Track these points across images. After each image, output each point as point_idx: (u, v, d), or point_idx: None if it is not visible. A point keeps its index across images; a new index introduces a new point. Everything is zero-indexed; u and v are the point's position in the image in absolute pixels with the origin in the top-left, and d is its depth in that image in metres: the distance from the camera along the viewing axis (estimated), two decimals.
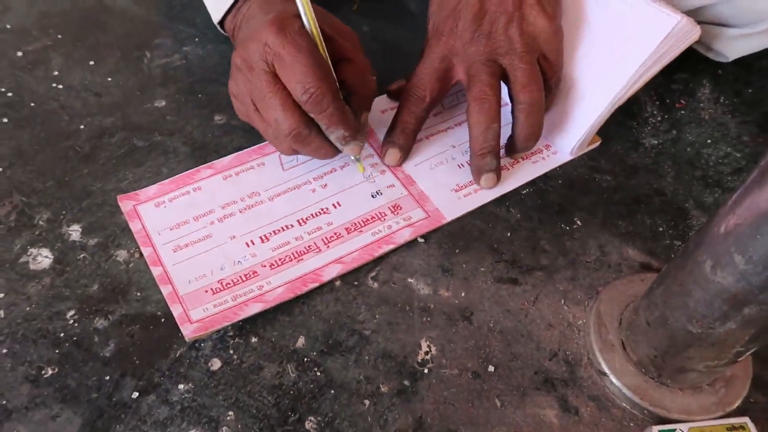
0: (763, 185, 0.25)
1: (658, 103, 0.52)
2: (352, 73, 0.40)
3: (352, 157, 0.43)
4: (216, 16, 0.46)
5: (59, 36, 0.53)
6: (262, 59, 0.37)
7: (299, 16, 0.37)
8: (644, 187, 0.46)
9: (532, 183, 0.45)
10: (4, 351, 0.35)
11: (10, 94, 0.48)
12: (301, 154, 0.43)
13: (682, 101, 0.53)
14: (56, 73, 0.50)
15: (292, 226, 0.41)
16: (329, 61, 0.39)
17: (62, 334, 0.36)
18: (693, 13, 0.50)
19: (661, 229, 0.44)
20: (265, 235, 0.41)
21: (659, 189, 0.46)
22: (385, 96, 0.50)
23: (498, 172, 0.44)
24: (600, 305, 0.38)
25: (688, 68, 0.55)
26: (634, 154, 0.48)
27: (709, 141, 0.50)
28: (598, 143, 0.48)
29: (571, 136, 0.46)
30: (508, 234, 0.43)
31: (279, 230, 0.41)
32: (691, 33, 0.43)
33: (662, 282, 0.33)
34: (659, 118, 0.51)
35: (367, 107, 0.42)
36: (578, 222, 0.44)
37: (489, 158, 0.43)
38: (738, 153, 0.49)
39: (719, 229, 0.28)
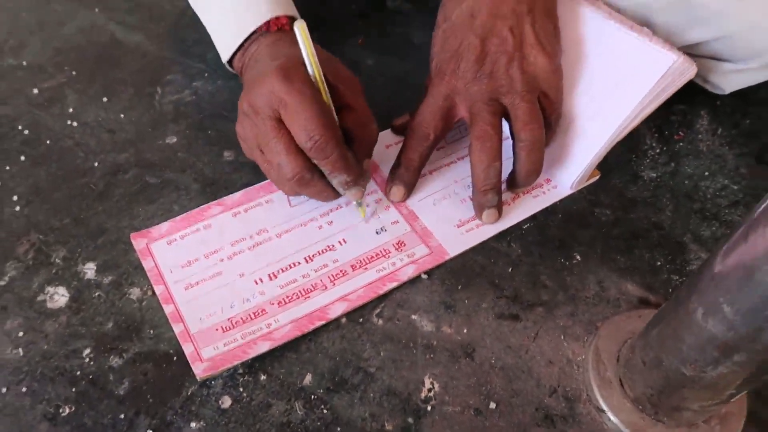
0: (748, 240, 0.26)
1: (656, 135, 0.53)
2: (355, 120, 0.41)
3: (354, 202, 0.44)
4: (225, 55, 0.47)
5: (74, 72, 0.55)
6: (267, 105, 0.38)
7: (304, 63, 0.39)
8: (643, 221, 0.47)
9: (532, 217, 0.47)
10: (24, 389, 0.37)
11: (27, 132, 0.50)
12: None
13: (680, 133, 0.54)
14: (71, 110, 0.52)
15: (299, 263, 0.43)
16: (333, 109, 0.40)
17: (78, 373, 0.37)
18: (689, 48, 0.51)
19: (659, 263, 0.45)
20: (273, 273, 0.42)
21: (657, 223, 0.47)
22: (389, 131, 0.51)
23: (499, 208, 0.45)
24: (598, 342, 0.39)
25: (687, 100, 0.56)
26: (633, 188, 0.49)
27: (706, 173, 0.51)
28: (597, 177, 0.49)
29: (571, 171, 0.48)
30: (509, 269, 0.44)
31: (286, 268, 0.42)
32: (688, 70, 0.44)
33: (657, 324, 0.34)
34: (658, 151, 0.52)
35: (368, 154, 0.43)
36: (578, 257, 0.45)
37: (491, 195, 0.44)
38: (735, 185, 0.50)
39: (709, 278, 0.29)
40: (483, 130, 0.43)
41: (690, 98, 0.56)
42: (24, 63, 0.55)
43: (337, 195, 0.42)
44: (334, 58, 0.43)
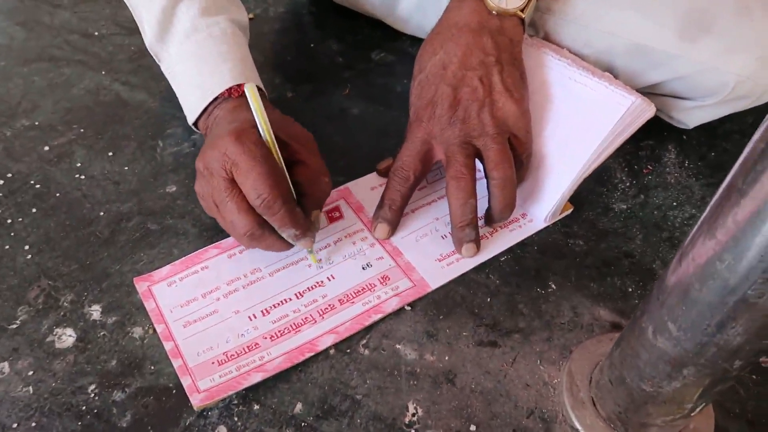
0: (681, 263, 0.29)
1: (626, 169, 0.57)
2: (306, 175, 0.44)
3: (305, 250, 0.47)
4: (190, 118, 0.50)
5: (82, 130, 0.59)
6: (221, 167, 0.41)
7: (256, 125, 0.42)
8: (614, 250, 0.50)
9: (509, 250, 0.50)
10: (33, 424, 0.39)
11: (38, 186, 0.54)
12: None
13: (649, 167, 0.57)
14: (79, 164, 0.56)
15: (290, 299, 0.46)
16: (283, 166, 0.43)
17: (84, 407, 0.40)
18: (651, 88, 0.55)
19: (630, 289, 0.47)
20: (266, 309, 0.45)
21: (628, 251, 0.50)
22: (374, 174, 0.55)
23: (477, 242, 0.48)
24: (572, 365, 0.42)
25: (654, 135, 0.59)
26: (604, 219, 0.52)
27: (674, 204, 0.54)
28: (570, 210, 0.53)
29: (545, 205, 0.51)
30: (488, 299, 0.46)
31: (279, 303, 0.45)
32: (647, 111, 0.48)
33: (619, 345, 0.36)
34: (628, 184, 0.55)
35: (318, 206, 0.45)
36: (553, 285, 0.47)
37: (468, 230, 0.47)
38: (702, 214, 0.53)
39: (656, 298, 0.31)
40: (458, 170, 0.46)
41: (658, 133, 0.59)
42: (36, 123, 0.59)
43: (289, 246, 0.45)
44: (288, 118, 0.46)
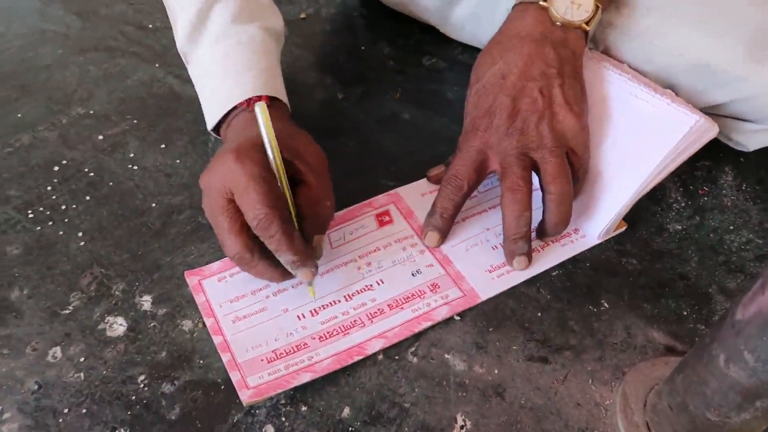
0: (765, 292, 0.28)
1: (681, 189, 0.56)
2: (307, 197, 0.42)
3: (305, 282, 0.44)
4: (209, 125, 0.49)
5: (135, 121, 0.60)
6: (221, 184, 0.40)
7: (263, 143, 0.40)
8: (669, 272, 0.49)
9: (561, 265, 0.49)
10: (84, 411, 0.39)
11: (92, 174, 0.54)
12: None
13: (705, 188, 0.56)
14: (132, 155, 0.56)
15: (339, 301, 0.45)
16: (287, 187, 0.41)
17: (134, 397, 0.40)
18: (712, 109, 0.54)
19: (685, 312, 0.46)
20: (314, 309, 0.45)
21: (683, 273, 0.49)
22: (425, 180, 0.54)
23: (529, 256, 0.48)
24: (626, 387, 0.41)
25: (711, 156, 0.58)
26: (658, 239, 0.51)
27: (731, 227, 0.53)
28: (624, 228, 0.52)
29: (599, 221, 0.50)
30: (539, 314, 0.46)
31: (327, 305, 0.45)
32: (709, 131, 0.47)
33: (682, 370, 0.35)
34: (683, 204, 0.54)
35: (320, 231, 0.44)
36: (605, 304, 0.47)
37: (521, 243, 0.47)
38: (760, 240, 0.51)
39: (731, 326, 0.30)
40: (514, 182, 0.46)
41: (715, 154, 0.58)
42: (91, 112, 0.60)
43: (284, 277, 0.43)
44: (301, 134, 0.45)
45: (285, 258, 0.41)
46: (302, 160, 0.43)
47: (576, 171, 0.48)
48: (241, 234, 0.40)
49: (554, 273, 0.48)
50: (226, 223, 0.40)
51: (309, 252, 0.42)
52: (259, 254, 0.41)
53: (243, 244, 0.40)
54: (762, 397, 0.30)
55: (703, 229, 0.52)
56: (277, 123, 0.41)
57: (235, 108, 0.47)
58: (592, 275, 0.48)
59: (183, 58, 0.53)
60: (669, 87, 0.52)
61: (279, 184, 0.41)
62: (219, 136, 0.51)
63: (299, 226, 0.42)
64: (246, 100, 0.46)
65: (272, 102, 0.47)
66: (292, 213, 0.42)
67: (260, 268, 0.42)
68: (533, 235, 0.50)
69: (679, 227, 0.52)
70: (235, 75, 0.48)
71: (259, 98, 0.46)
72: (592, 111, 0.50)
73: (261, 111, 0.39)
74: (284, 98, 0.50)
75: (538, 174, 0.47)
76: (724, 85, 0.51)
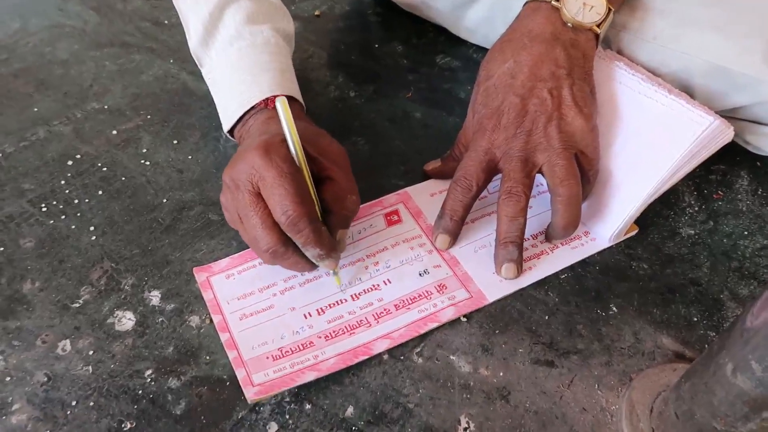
0: None
1: (695, 193, 0.55)
2: (333, 193, 0.43)
3: (330, 271, 0.46)
4: (226, 126, 0.50)
5: (149, 116, 0.60)
6: (248, 180, 0.40)
7: (286, 139, 0.41)
8: (680, 277, 0.48)
9: (570, 268, 0.48)
10: (91, 404, 0.40)
11: (105, 169, 0.55)
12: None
13: (719, 192, 0.55)
14: (145, 150, 0.57)
15: (345, 300, 0.45)
16: (311, 182, 0.42)
17: (140, 392, 0.41)
18: (729, 112, 0.53)
19: (695, 319, 0.46)
20: (321, 308, 0.45)
21: (695, 279, 0.48)
22: (434, 180, 0.54)
23: (519, 264, 0.46)
24: (632, 393, 0.40)
25: (727, 159, 0.57)
26: (670, 243, 0.51)
27: (746, 233, 0.52)
28: (635, 232, 0.51)
29: (609, 224, 0.49)
30: (546, 317, 0.45)
31: (334, 304, 0.45)
32: (725, 134, 0.46)
33: (689, 378, 0.35)
34: (696, 209, 0.53)
35: (344, 225, 0.44)
36: (614, 308, 0.46)
37: (511, 248, 0.46)
38: None
39: (739, 335, 0.30)
40: (512, 186, 0.45)
41: (730, 158, 0.57)
42: (105, 107, 0.61)
43: (314, 266, 0.44)
44: (321, 132, 0.45)
45: (312, 252, 0.42)
46: (326, 156, 0.43)
47: (586, 172, 0.48)
48: (274, 228, 0.40)
49: (563, 276, 0.48)
50: (259, 219, 0.40)
51: (335, 245, 0.43)
52: (291, 248, 0.41)
53: (277, 238, 0.41)
54: None
55: (716, 234, 0.51)
56: (298, 121, 0.42)
57: (251, 108, 0.47)
58: (601, 279, 0.48)
59: (197, 62, 0.54)
60: (685, 89, 0.51)
61: (304, 178, 0.41)
62: (233, 137, 0.51)
63: (323, 220, 0.43)
64: (263, 101, 0.47)
65: (289, 102, 0.47)
66: (317, 207, 0.42)
67: (293, 260, 0.42)
68: (541, 238, 0.50)
69: (692, 232, 0.52)
70: (252, 76, 0.48)
71: (275, 97, 0.46)
72: (604, 112, 0.50)
73: (282, 107, 0.39)
74: (300, 98, 0.50)
75: (546, 177, 0.47)
76: (741, 88, 0.50)
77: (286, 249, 0.41)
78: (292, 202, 0.39)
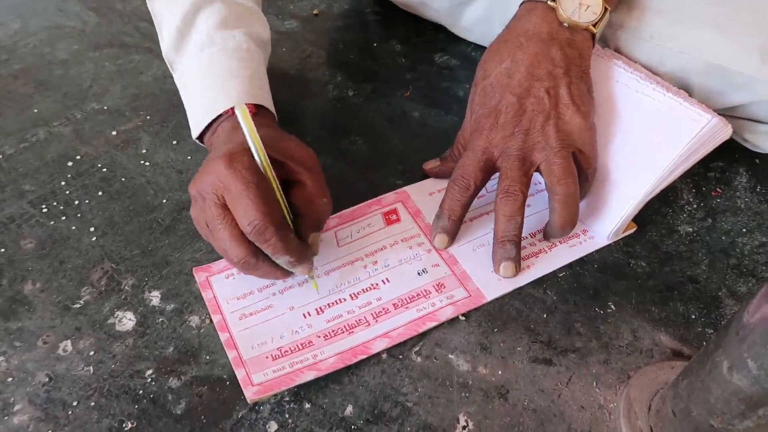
0: None
1: (694, 190, 0.55)
2: (302, 196, 0.42)
3: (306, 276, 0.45)
4: (194, 133, 0.49)
5: (148, 117, 0.60)
6: (213, 192, 0.40)
7: (249, 148, 0.40)
8: (678, 275, 0.48)
9: (568, 266, 0.48)
10: (92, 404, 0.40)
11: (105, 170, 0.55)
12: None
13: (718, 189, 0.55)
14: (144, 151, 0.57)
15: (344, 300, 0.46)
16: (278, 189, 0.41)
17: (141, 392, 0.41)
18: (727, 110, 0.53)
19: (693, 316, 0.46)
20: (320, 308, 0.45)
21: (693, 276, 0.48)
22: (432, 179, 0.54)
23: (517, 263, 0.47)
24: (630, 391, 0.40)
25: (725, 157, 0.57)
26: (668, 241, 0.51)
27: (744, 230, 0.52)
28: (633, 229, 0.51)
29: (608, 222, 0.49)
30: (545, 315, 0.46)
31: (333, 303, 0.45)
32: (722, 132, 0.46)
33: (687, 376, 0.35)
34: (695, 206, 0.54)
35: (316, 228, 0.44)
36: (612, 306, 0.46)
37: (509, 246, 0.46)
38: None
39: (736, 333, 0.30)
40: (510, 185, 0.45)
41: (729, 155, 0.57)
42: (105, 107, 0.61)
43: (289, 273, 0.43)
44: (289, 136, 0.45)
45: (282, 260, 0.41)
46: (294, 160, 0.43)
47: (584, 171, 0.48)
48: (243, 240, 0.40)
49: (561, 274, 0.48)
50: (227, 231, 0.40)
51: (305, 251, 0.42)
52: (262, 257, 0.41)
53: (246, 250, 0.40)
54: (765, 406, 0.29)
55: (714, 232, 0.52)
56: (264, 128, 0.41)
57: (220, 116, 0.46)
58: (599, 277, 0.48)
59: (169, 66, 0.53)
60: (683, 88, 0.51)
61: (269, 185, 0.41)
62: (203, 144, 0.50)
63: (295, 224, 0.43)
64: (231, 108, 0.46)
65: (258, 110, 0.47)
66: (286, 213, 0.42)
67: (265, 269, 0.42)
68: (540, 236, 0.50)
69: (690, 229, 0.52)
70: (221, 82, 0.47)
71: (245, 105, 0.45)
72: (602, 110, 0.50)
73: (242, 114, 0.38)
74: (270, 106, 0.49)
75: (543, 176, 0.47)
76: (738, 87, 0.50)
77: (257, 260, 0.41)
78: (257, 211, 0.38)
